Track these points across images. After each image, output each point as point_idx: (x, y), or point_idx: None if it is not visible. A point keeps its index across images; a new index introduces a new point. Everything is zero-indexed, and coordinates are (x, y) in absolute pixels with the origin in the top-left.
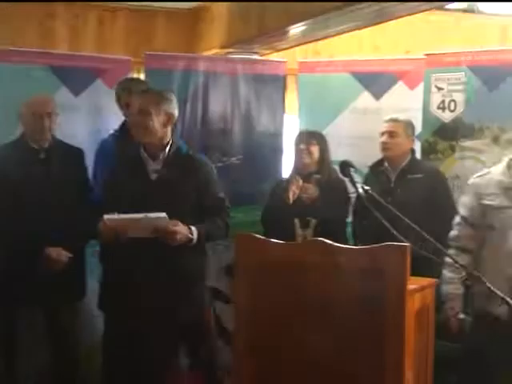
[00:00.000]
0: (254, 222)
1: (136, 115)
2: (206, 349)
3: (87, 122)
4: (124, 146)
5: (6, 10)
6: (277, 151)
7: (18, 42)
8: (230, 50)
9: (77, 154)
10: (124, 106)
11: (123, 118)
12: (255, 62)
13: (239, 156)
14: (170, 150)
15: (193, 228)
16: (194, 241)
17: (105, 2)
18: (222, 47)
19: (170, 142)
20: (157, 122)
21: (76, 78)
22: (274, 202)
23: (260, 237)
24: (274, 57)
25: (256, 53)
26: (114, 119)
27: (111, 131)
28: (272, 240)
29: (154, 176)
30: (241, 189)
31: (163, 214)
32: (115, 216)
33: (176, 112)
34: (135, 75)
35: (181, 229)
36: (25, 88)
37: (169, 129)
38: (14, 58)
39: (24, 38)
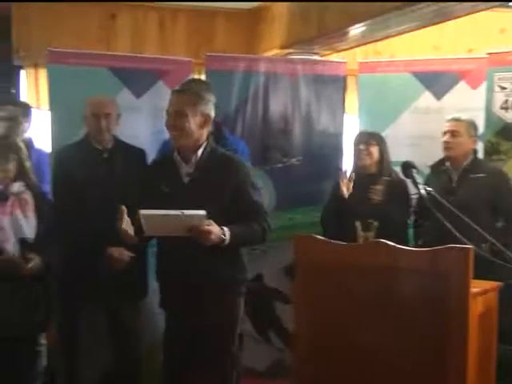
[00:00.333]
0: (314, 223)
1: (172, 117)
2: (226, 353)
3: (149, 123)
4: None
5: (69, 12)
6: (337, 152)
7: (81, 44)
8: (290, 50)
9: (139, 154)
10: None
11: None
12: (315, 62)
13: (299, 157)
14: (203, 151)
15: (225, 228)
16: (227, 241)
17: (166, 3)
18: (282, 48)
19: (205, 143)
20: (193, 123)
21: (138, 79)
22: (334, 203)
23: (320, 238)
24: (334, 57)
25: (316, 53)
26: None
27: None
28: (332, 241)
29: (186, 179)
30: (300, 190)
31: (202, 212)
32: (152, 211)
33: (213, 113)
34: (196, 76)
35: (214, 228)
36: (88, 90)
37: (205, 130)
38: (76, 60)
39: (86, 39)
